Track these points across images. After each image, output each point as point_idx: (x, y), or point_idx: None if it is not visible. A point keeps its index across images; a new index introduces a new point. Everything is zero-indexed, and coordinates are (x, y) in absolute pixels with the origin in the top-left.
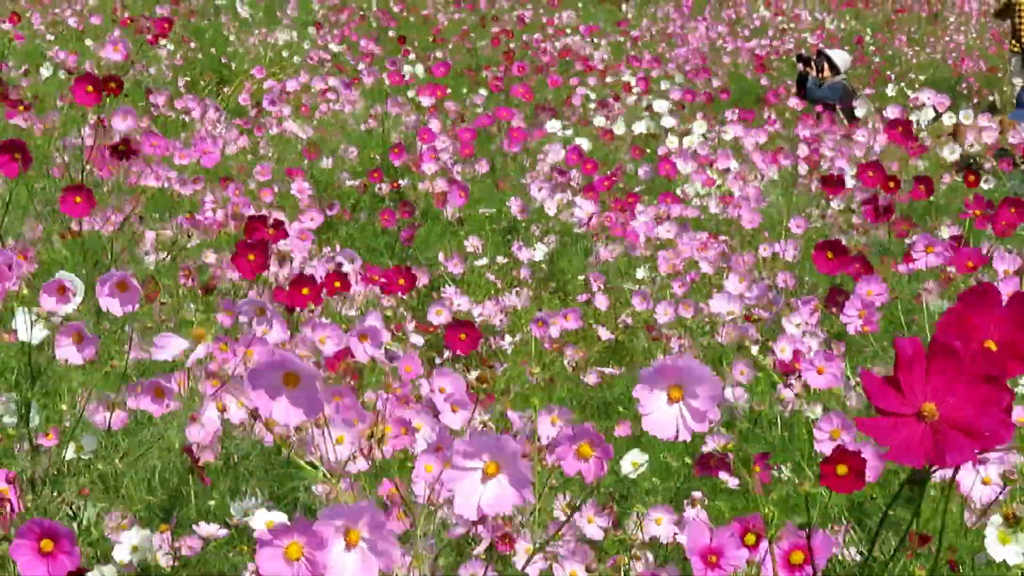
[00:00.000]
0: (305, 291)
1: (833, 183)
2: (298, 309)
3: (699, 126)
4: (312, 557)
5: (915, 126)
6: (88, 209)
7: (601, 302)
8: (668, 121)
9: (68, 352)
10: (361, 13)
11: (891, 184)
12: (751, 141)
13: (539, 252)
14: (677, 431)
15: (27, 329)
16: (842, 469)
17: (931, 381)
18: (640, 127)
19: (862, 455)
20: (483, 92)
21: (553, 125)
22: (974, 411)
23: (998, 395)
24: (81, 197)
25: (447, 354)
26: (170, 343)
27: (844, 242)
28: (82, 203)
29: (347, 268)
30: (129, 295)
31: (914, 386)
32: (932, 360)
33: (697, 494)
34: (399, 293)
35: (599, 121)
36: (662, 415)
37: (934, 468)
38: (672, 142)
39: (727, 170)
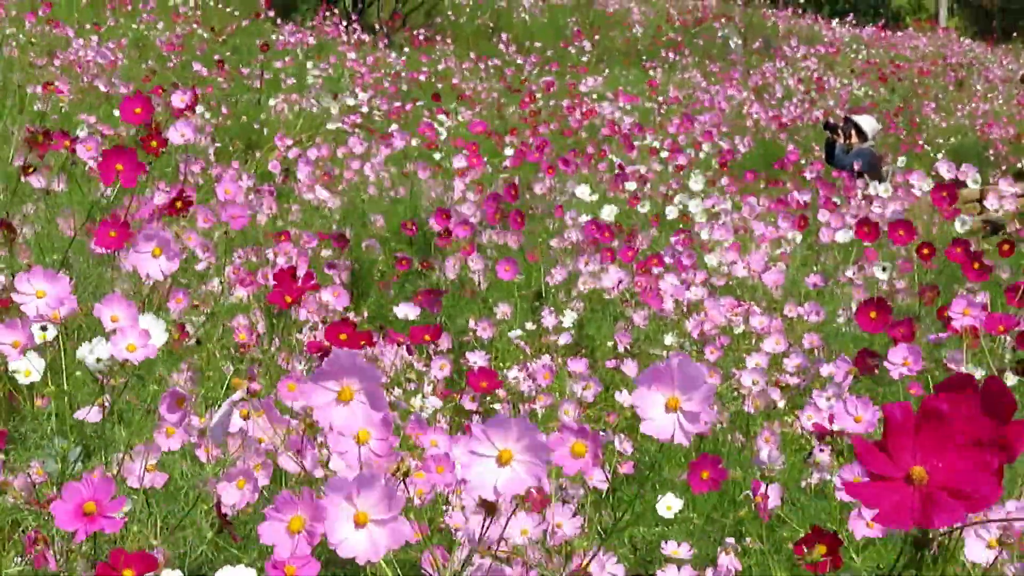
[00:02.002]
0: (343, 336)
1: (869, 226)
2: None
3: (696, 201)
4: (312, 529)
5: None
6: (122, 242)
7: (630, 368)
8: (695, 205)
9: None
10: (390, 80)
11: (925, 251)
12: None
13: (567, 318)
14: (674, 434)
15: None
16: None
17: (920, 446)
18: (672, 212)
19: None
20: (508, 152)
21: (582, 191)
22: (963, 474)
23: (986, 458)
24: (116, 230)
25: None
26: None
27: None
28: (116, 237)
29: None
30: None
31: (904, 451)
32: (922, 425)
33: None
34: (427, 347)
35: (631, 186)
36: (661, 421)
37: (932, 532)
38: (700, 218)
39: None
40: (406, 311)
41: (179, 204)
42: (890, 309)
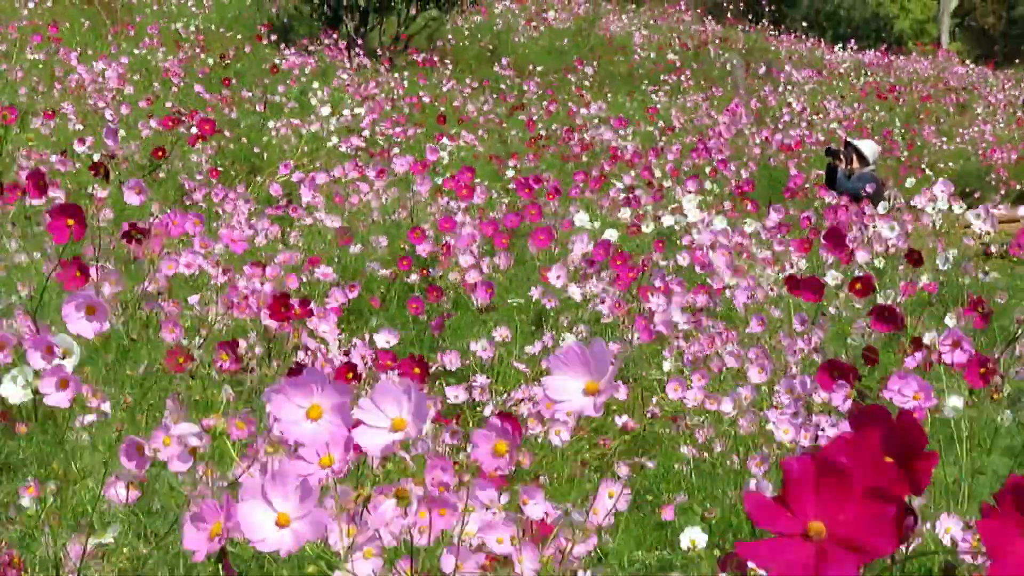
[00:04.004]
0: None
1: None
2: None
3: (719, 221)
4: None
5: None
6: (84, 281)
7: (621, 392)
8: (693, 215)
9: (80, 326)
10: (392, 102)
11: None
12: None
13: (568, 342)
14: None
15: (15, 389)
16: None
17: (820, 500)
18: (669, 221)
19: None
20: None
21: (581, 218)
22: (859, 526)
23: (884, 509)
24: (73, 219)
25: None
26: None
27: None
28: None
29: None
30: (99, 316)
31: (804, 505)
32: (821, 479)
33: None
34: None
35: (625, 213)
36: (579, 401)
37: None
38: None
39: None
40: (386, 338)
41: (134, 233)
42: (847, 370)
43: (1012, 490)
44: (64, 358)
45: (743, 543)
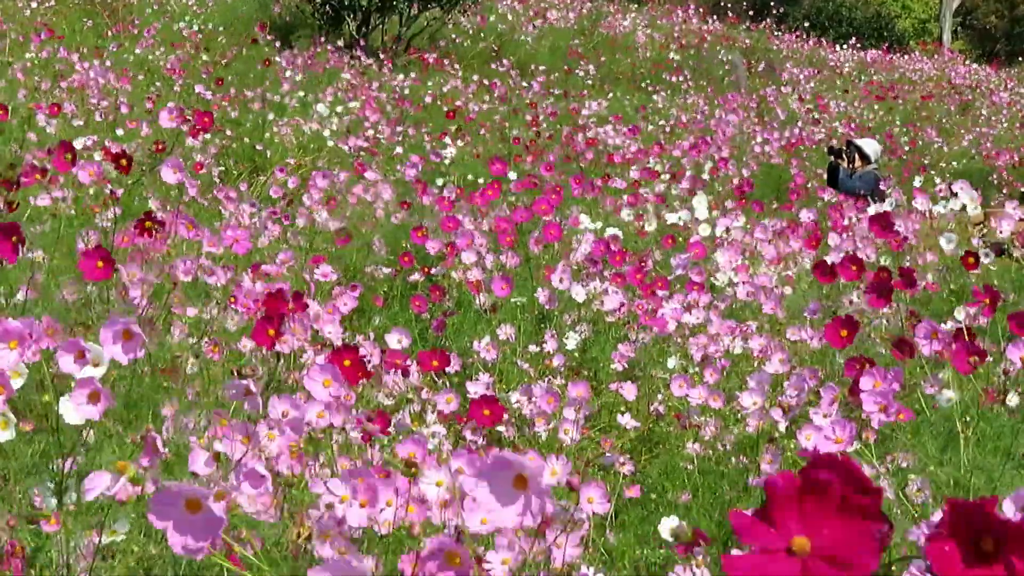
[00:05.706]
0: (347, 363)
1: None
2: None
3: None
4: None
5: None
6: (109, 272)
7: (630, 391)
8: (702, 213)
9: (86, 410)
10: (393, 102)
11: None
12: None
13: (571, 341)
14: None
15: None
16: None
17: (804, 516)
18: (673, 218)
19: None
20: (513, 175)
21: (583, 219)
22: (843, 543)
23: (868, 526)
24: (102, 261)
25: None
26: (98, 481)
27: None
28: (103, 268)
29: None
30: (132, 344)
31: (787, 521)
32: (804, 495)
33: None
34: (432, 373)
35: (626, 213)
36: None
37: None
38: (704, 230)
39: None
40: (398, 336)
41: (148, 224)
42: (858, 326)
43: (949, 514)
44: (95, 367)
45: (728, 556)
